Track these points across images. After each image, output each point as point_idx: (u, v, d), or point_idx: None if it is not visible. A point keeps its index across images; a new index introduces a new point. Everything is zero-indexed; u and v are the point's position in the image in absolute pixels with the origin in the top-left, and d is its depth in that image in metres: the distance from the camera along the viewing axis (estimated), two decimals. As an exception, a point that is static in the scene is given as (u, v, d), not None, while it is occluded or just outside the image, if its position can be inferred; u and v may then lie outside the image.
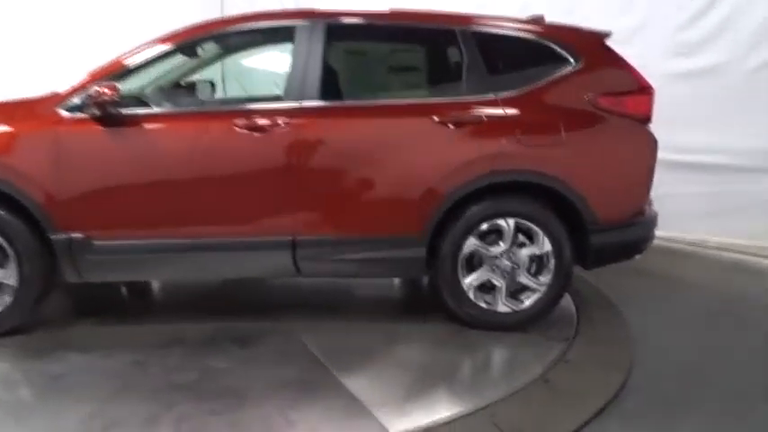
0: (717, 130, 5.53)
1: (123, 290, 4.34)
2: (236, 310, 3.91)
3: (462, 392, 2.97)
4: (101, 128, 3.30)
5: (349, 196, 3.40)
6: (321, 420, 2.68)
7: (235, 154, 3.34)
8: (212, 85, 4.37)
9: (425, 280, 4.34)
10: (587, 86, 3.54)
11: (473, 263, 3.59)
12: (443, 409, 2.78)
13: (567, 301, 4.02)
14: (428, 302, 3.75)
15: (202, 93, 4.17)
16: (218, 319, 3.71)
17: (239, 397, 2.86)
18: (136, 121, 3.33)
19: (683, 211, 5.70)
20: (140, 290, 4.35)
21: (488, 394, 2.93)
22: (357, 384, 2.98)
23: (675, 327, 3.91)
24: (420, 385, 3.01)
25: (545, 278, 3.56)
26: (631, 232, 3.64)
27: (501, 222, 3.49)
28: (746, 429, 2.80)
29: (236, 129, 3.32)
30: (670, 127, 5.33)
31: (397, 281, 4.41)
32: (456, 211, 3.49)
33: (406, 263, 3.51)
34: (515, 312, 3.58)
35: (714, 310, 4.21)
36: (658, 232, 5.62)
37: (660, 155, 5.70)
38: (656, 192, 5.13)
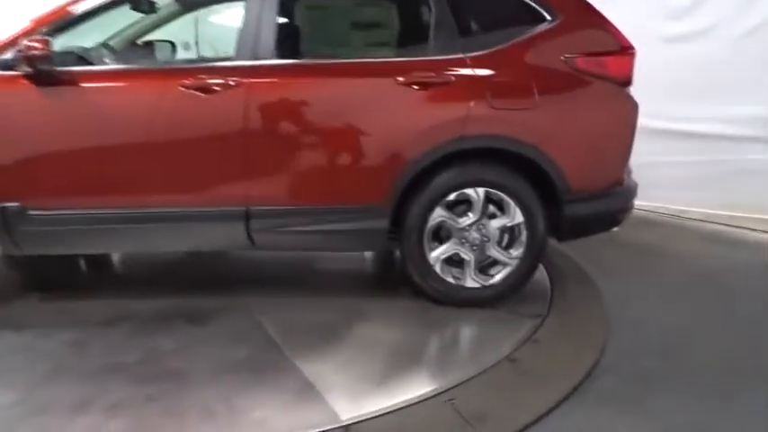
0: (702, 97, 5.32)
1: (81, 263, 4.09)
2: (192, 285, 3.68)
3: (423, 375, 2.78)
4: (33, 87, 3.02)
5: (305, 163, 3.16)
6: (267, 407, 2.47)
7: (181, 117, 3.08)
8: (173, 45, 4.09)
9: (398, 253, 4.13)
10: (564, 46, 3.29)
11: (440, 235, 3.37)
12: (401, 393, 2.58)
13: (541, 276, 3.83)
14: (397, 277, 3.53)
15: (161, 54, 3.90)
16: (173, 295, 3.48)
17: (182, 380, 2.65)
18: (72, 79, 3.05)
19: (665, 181, 5.51)
20: (96, 262, 4.11)
21: (450, 376, 2.73)
22: (312, 367, 2.77)
23: (654, 300, 3.73)
24: (379, 367, 2.81)
25: (516, 251, 3.35)
26: (608, 203, 3.43)
27: (470, 192, 3.26)
28: (729, 408, 2.62)
29: (182, 89, 3.04)
30: (653, 93, 5.21)
31: (367, 254, 4.20)
32: (422, 180, 3.26)
33: (368, 235, 3.28)
34: (485, 288, 3.37)
35: (695, 282, 4.04)
36: (640, 203, 5.47)
37: (643, 122, 5.51)
38: (638, 161, 4.93)
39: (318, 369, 2.76)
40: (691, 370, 2.91)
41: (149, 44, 3.97)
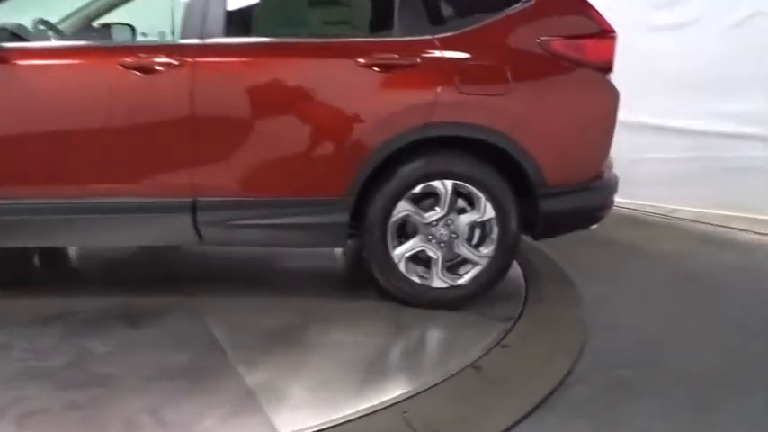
0: (695, 91, 5.08)
1: (24, 257, 3.83)
2: (140, 283, 3.42)
3: (377, 384, 2.52)
4: (-42, 66, 2.77)
5: (257, 151, 2.91)
6: (198, 419, 2.21)
7: (119, 98, 2.82)
8: (132, 29, 3.83)
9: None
10: (540, 28, 3.05)
11: (406, 231, 3.13)
12: (351, 404, 2.33)
13: (515, 275, 3.59)
14: (363, 276, 3.28)
15: (119, 37, 3.64)
16: (116, 294, 3.22)
17: (110, 388, 2.39)
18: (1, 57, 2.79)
19: (655, 179, 5.29)
20: (36, 257, 3.85)
21: (409, 385, 2.49)
22: (258, 374, 2.52)
23: (636, 303, 3.50)
24: (333, 374, 2.56)
25: (487, 249, 3.11)
26: (586, 198, 3.18)
27: (437, 185, 3.02)
28: (709, 420, 2.39)
29: (121, 68, 2.79)
30: (643, 85, 4.99)
31: (332, 251, 3.95)
32: (385, 171, 3.01)
33: (327, 230, 3.03)
34: (453, 288, 3.13)
35: (680, 284, 3.81)
36: (628, 201, 5.29)
37: (632, 116, 5.27)
38: (626, 156, 4.69)
39: (264, 376, 2.51)
40: (670, 379, 2.67)
41: (106, 27, 3.73)
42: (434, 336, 3.01)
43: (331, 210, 2.98)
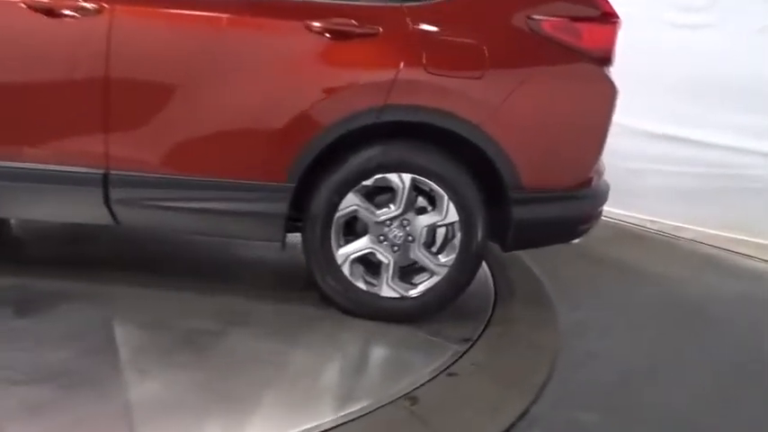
0: (711, 100, 4.58)
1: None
2: (45, 263, 2.97)
3: (293, 410, 2.10)
4: None
5: (183, 121, 2.48)
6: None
7: (24, 45, 2.40)
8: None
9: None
10: (531, 3, 2.59)
11: (355, 229, 2.69)
12: (243, 435, 1.91)
13: (485, 290, 3.15)
14: (303, 279, 2.85)
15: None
16: (12, 273, 2.77)
17: (-43, 391, 1.98)
18: None
19: (658, 193, 4.80)
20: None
21: (327, 414, 2.07)
22: (147, 387, 2.11)
23: (620, 332, 3.04)
24: (240, 395, 2.13)
25: (446, 258, 2.67)
26: (569, 207, 2.73)
27: (393, 178, 2.57)
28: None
29: (26, 7, 2.36)
30: (653, 88, 4.52)
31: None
32: (333, 157, 2.58)
33: (261, 221, 2.60)
34: (403, 299, 2.69)
35: (673, 313, 3.35)
36: (625, 212, 4.82)
37: (637, 122, 4.76)
38: (628, 166, 4.21)
39: (155, 390, 2.09)
40: (637, 427, 2.23)
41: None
42: (375, 354, 2.59)
43: (267, 197, 2.55)
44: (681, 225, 4.78)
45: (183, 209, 2.56)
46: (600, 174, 2.85)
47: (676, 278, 3.92)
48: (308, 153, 2.50)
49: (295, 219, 2.68)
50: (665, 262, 4.23)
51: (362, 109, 2.48)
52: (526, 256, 3.59)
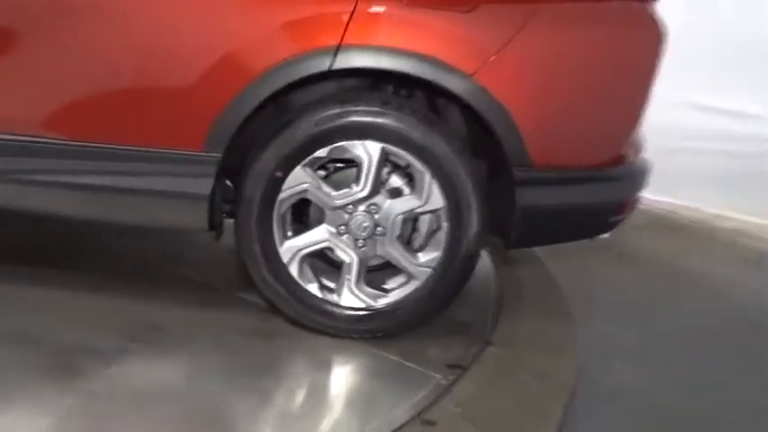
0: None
1: None
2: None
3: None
4: None
5: (60, 64, 1.82)
6: None
7: None
8: None
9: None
10: None
11: (307, 216, 2.03)
12: None
13: (483, 296, 2.47)
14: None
15: None
16: None
17: None
18: None
19: (695, 174, 4.07)
20: None
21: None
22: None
23: (656, 356, 2.35)
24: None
25: (428, 256, 1.99)
26: (594, 191, 2.04)
27: (356, 148, 1.90)
28: None
29: None
30: (692, 51, 3.77)
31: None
32: (272, 118, 1.91)
33: (176, 202, 1.93)
34: (371, 310, 2.02)
35: (722, 325, 2.65)
36: (657, 197, 4.06)
37: (672, 91, 4.02)
38: (666, 144, 3.44)
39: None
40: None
41: None
42: (326, 388, 1.91)
43: (181, 171, 1.89)
44: (721, 213, 4.06)
45: (65, 185, 1.90)
46: (638, 149, 2.14)
47: (720, 280, 3.19)
48: (233, 112, 1.82)
49: (229, 201, 2.03)
50: (704, 257, 3.51)
51: (310, 52, 1.80)
52: (542, 252, 2.91)
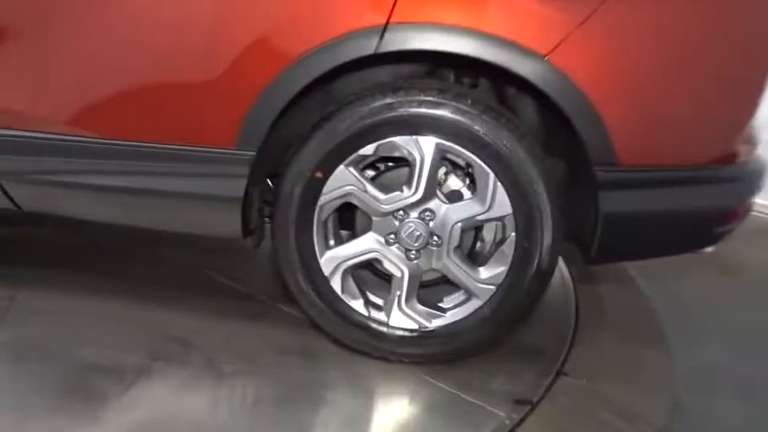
0: None
1: None
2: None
3: None
4: None
5: (72, 55, 1.64)
6: None
7: None
8: None
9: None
10: None
11: (352, 223, 1.78)
12: None
13: (560, 315, 2.14)
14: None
15: None
16: None
17: None
18: None
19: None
20: None
21: None
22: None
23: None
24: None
25: (493, 272, 1.70)
26: (697, 194, 1.68)
27: (406, 144, 1.63)
28: None
29: None
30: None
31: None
32: (315, 111, 1.68)
33: (204, 206, 1.72)
34: (424, 334, 1.75)
35: None
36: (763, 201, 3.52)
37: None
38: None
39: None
40: None
41: None
42: (364, 425, 1.64)
43: (210, 171, 1.68)
44: None
45: (82, 186, 1.73)
46: (752, 144, 1.77)
47: None
48: (267, 104, 1.59)
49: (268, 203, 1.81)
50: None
51: (351, 31, 1.54)
52: (631, 265, 2.55)
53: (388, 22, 1.52)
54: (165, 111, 1.65)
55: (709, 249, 1.84)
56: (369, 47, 1.54)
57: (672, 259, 1.98)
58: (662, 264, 2.28)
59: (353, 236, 1.77)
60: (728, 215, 1.73)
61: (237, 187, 1.67)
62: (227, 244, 2.17)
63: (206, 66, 1.59)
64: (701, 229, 1.74)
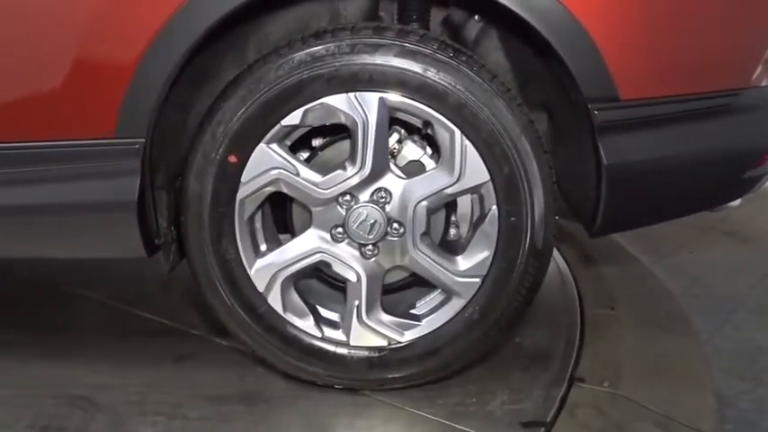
0: None
1: None
2: None
3: None
4: None
5: None
6: None
7: None
8: None
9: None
10: None
11: (287, 219, 1.39)
12: None
13: (558, 306, 1.76)
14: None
15: None
16: None
17: None
18: None
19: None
20: None
21: None
22: None
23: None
24: None
25: (474, 259, 1.30)
26: (719, 130, 1.32)
27: (342, 106, 1.24)
28: None
29: None
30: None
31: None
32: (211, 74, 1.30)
33: (86, 218, 1.30)
34: (397, 350, 1.35)
35: None
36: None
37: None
38: None
39: None
40: None
41: None
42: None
43: (85, 171, 1.26)
44: None
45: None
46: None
47: None
48: (150, 69, 1.19)
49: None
50: None
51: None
52: (626, 242, 2.20)
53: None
54: (15, 97, 1.24)
55: (736, 203, 1.48)
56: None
57: (670, 230, 1.64)
58: (661, 237, 1.95)
59: (292, 234, 1.37)
60: (760, 153, 1.37)
61: (127, 188, 1.26)
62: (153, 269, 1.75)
63: (54, 28, 1.19)
64: (729, 174, 1.38)
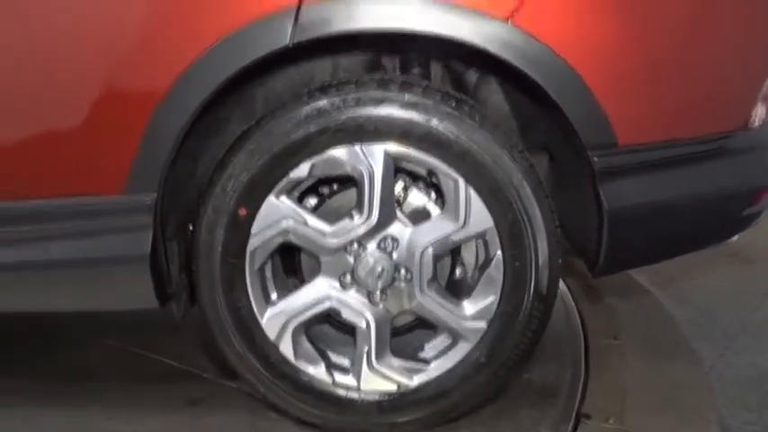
0: None
1: None
2: None
3: None
4: None
5: None
6: None
7: None
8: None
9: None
10: None
11: (297, 266, 1.41)
12: None
13: (564, 342, 1.78)
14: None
15: None
16: None
17: None
18: None
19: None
20: None
21: None
22: None
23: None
24: None
25: (480, 304, 1.33)
26: (717, 170, 1.36)
27: (349, 157, 1.27)
28: None
29: None
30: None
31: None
32: (220, 128, 1.34)
33: (100, 272, 1.33)
34: (406, 395, 1.37)
35: None
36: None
37: None
38: None
39: None
40: None
41: None
42: None
43: (98, 227, 1.29)
44: None
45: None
46: (768, 102, 1.45)
47: None
48: (159, 130, 1.22)
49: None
50: None
51: (253, 21, 1.19)
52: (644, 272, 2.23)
53: (300, 2, 1.17)
54: (31, 156, 1.27)
55: (733, 239, 1.51)
56: (280, 37, 1.18)
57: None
58: (663, 263, 1.97)
59: (301, 281, 1.40)
60: (756, 191, 1.40)
61: (139, 242, 1.28)
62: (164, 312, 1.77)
63: (86, 94, 1.22)
64: (727, 213, 1.41)
